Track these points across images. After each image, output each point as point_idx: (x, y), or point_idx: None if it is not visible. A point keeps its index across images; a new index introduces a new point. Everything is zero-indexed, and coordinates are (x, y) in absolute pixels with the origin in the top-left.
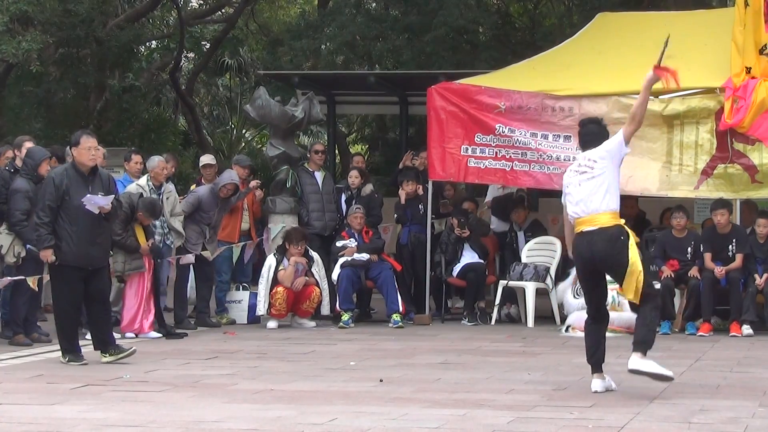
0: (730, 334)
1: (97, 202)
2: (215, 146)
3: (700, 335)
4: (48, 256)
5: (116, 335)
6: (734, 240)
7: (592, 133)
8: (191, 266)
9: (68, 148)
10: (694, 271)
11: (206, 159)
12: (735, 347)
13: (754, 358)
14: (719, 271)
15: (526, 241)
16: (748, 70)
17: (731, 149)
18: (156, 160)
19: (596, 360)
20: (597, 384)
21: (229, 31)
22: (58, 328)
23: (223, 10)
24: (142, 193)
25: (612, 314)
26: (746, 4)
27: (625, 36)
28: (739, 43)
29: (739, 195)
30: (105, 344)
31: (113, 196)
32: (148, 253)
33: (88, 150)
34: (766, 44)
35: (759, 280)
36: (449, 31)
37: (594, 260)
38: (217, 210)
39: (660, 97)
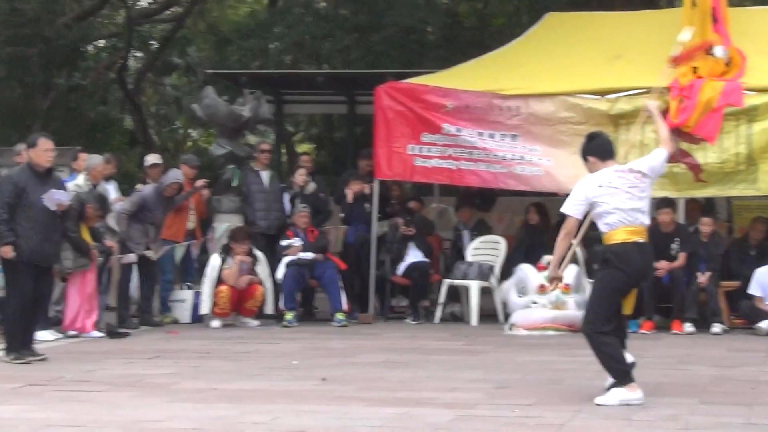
0: (672, 332)
1: (58, 198)
2: (162, 145)
3: (643, 333)
4: (8, 252)
5: (59, 334)
6: (678, 239)
7: (609, 142)
8: (135, 265)
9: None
10: None
11: (152, 158)
12: (677, 345)
13: (696, 355)
14: (660, 267)
15: (471, 240)
16: (695, 69)
17: (677, 148)
18: (97, 160)
19: (629, 368)
20: (640, 393)
21: (178, 30)
22: (9, 325)
23: (171, 9)
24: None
25: (555, 312)
26: (693, 5)
27: (573, 36)
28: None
29: (683, 194)
30: (22, 344)
31: (74, 192)
32: (98, 254)
33: (45, 152)
34: (712, 44)
35: (701, 279)
36: (398, 30)
37: (646, 271)
38: (161, 209)
39: (606, 96)
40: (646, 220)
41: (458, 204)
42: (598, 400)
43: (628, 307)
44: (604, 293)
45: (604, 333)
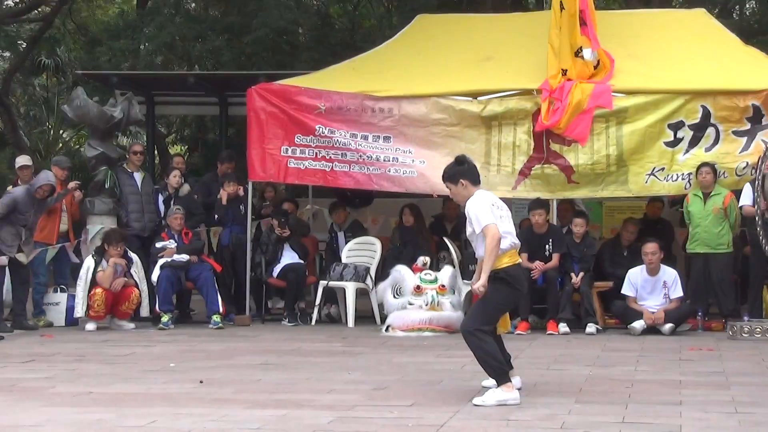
0: (547, 333)
1: None
2: (32, 147)
3: (518, 334)
4: None
5: None
6: (551, 240)
7: (476, 167)
8: (7, 268)
9: None
10: None
11: (22, 160)
12: (552, 345)
13: (571, 355)
14: (533, 268)
15: (346, 242)
16: (564, 72)
17: (548, 150)
18: None
19: (507, 367)
20: (516, 393)
21: (46, 30)
22: None
23: (39, 9)
24: None
25: (431, 314)
26: (562, 8)
27: (443, 38)
28: (555, 45)
29: (555, 195)
30: None
31: None
32: None
33: None
34: (581, 47)
35: (575, 279)
36: (269, 32)
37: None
38: (33, 211)
39: (479, 98)
40: None
41: (332, 206)
42: (476, 400)
43: (504, 325)
44: (493, 304)
45: (485, 332)
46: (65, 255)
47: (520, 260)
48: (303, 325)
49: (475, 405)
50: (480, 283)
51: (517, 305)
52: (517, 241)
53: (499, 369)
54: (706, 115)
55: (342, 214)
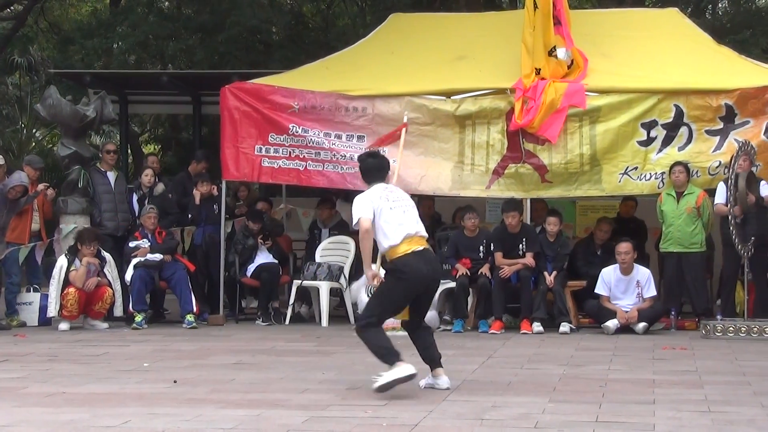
0: (521, 332)
1: None
2: (5, 146)
3: (492, 333)
4: None
5: None
6: (524, 239)
7: (374, 167)
8: None
9: None
10: (484, 270)
11: None
12: (526, 344)
13: (544, 354)
14: (503, 270)
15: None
16: (538, 71)
17: (522, 149)
18: None
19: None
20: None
21: (19, 28)
22: None
23: (11, 8)
24: None
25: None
26: (535, 7)
27: (417, 37)
28: (529, 44)
29: (529, 194)
30: None
31: None
32: None
33: None
34: (555, 46)
35: (549, 278)
36: (242, 30)
37: (434, 277)
38: (6, 211)
39: (452, 97)
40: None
41: (319, 202)
42: (376, 386)
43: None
44: (386, 297)
45: (373, 324)
46: (37, 254)
47: (421, 246)
48: (277, 325)
49: (375, 389)
50: (371, 273)
51: (489, 295)
52: (413, 231)
53: (389, 352)
54: (679, 114)
55: (328, 211)
